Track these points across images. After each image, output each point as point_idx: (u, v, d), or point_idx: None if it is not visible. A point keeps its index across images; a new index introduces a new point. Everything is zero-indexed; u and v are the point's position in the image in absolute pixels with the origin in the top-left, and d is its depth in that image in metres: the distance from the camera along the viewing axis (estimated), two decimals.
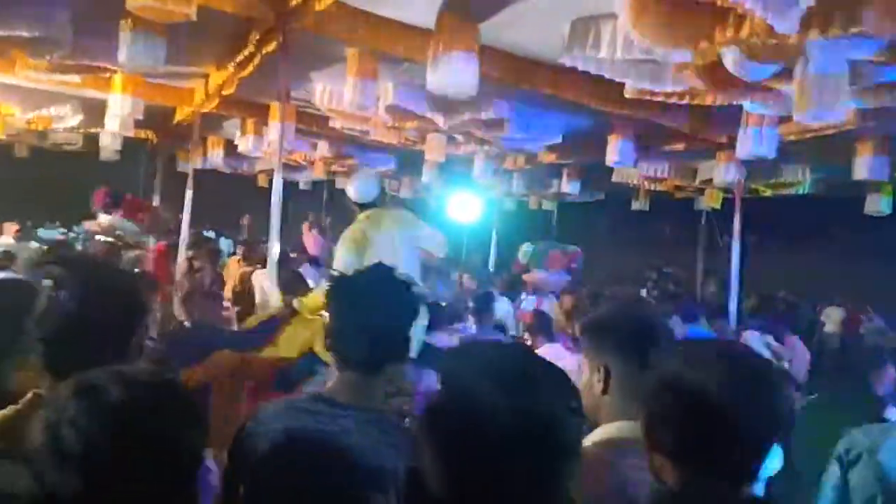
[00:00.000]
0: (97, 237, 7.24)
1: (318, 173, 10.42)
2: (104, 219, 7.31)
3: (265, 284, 5.90)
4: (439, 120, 5.66)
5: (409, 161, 9.13)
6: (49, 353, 1.38)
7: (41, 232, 16.54)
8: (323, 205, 13.12)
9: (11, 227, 8.86)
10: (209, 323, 4.16)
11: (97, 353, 1.36)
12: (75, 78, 5.73)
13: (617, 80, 3.81)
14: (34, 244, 8.99)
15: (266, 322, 3.97)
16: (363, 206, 3.98)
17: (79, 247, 7.84)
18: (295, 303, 3.85)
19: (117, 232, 7.12)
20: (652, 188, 8.34)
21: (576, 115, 5.75)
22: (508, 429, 0.80)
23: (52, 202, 15.26)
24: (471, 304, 5.42)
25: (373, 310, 1.46)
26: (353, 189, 4.03)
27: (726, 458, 0.99)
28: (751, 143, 4.66)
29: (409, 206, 12.75)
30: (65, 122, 7.36)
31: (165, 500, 0.84)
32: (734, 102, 4.17)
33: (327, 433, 1.36)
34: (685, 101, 4.26)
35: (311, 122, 6.99)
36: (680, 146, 6.07)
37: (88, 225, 7.74)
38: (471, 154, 7.40)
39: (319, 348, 3.45)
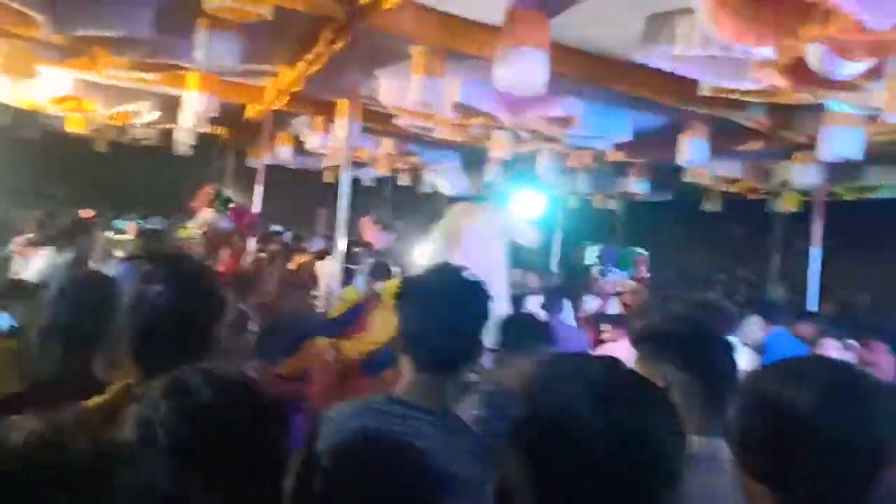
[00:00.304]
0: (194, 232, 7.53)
1: (382, 170, 10.52)
2: (205, 215, 7.61)
3: (328, 274, 6.08)
4: (505, 117, 5.61)
5: (473, 158, 9.10)
6: (137, 346, 1.42)
7: (117, 223, 17.33)
8: (386, 201, 13.26)
9: (88, 214, 9.24)
10: (302, 311, 4.26)
11: (182, 346, 1.40)
12: (153, 76, 5.95)
13: (693, 77, 3.68)
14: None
15: (353, 308, 4.03)
16: (453, 200, 4.07)
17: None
18: (378, 288, 3.91)
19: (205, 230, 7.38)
20: (724, 189, 8.04)
21: (646, 112, 5.60)
22: (606, 452, 0.75)
23: (129, 195, 15.96)
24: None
25: (446, 311, 1.44)
26: (445, 183, 4.17)
27: (834, 487, 0.91)
28: (834, 143, 4.43)
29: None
30: (142, 117, 7.66)
31: (250, 499, 0.84)
32: (818, 101, 3.97)
33: (401, 435, 1.35)
34: (764, 100, 4.09)
35: (375, 120, 7.04)
36: (756, 146, 5.83)
37: (192, 224, 8.05)
38: (535, 151, 7.32)
39: None
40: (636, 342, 1.61)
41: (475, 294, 1.50)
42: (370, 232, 7.57)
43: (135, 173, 12.67)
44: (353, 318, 3.82)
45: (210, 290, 1.50)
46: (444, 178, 3.90)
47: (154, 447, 0.85)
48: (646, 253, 9.95)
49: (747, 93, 3.94)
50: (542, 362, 0.90)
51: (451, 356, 1.46)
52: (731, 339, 2.65)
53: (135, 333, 1.44)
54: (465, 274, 1.53)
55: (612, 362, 0.85)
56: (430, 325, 1.44)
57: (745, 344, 3.87)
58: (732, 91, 3.84)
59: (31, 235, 6.18)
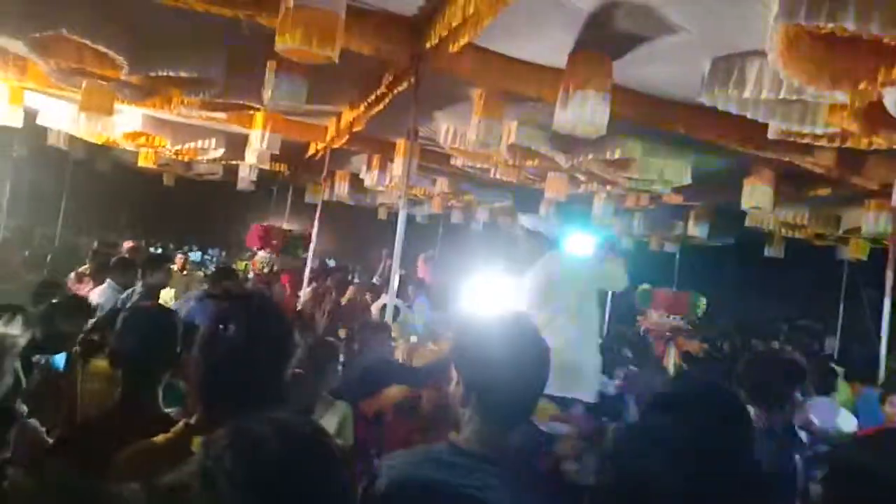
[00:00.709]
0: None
1: (436, 208, 10.61)
2: (261, 256, 7.86)
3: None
4: (561, 159, 5.59)
5: (526, 197, 9.09)
6: (205, 384, 1.41)
7: (178, 254, 17.92)
8: (438, 238, 13.33)
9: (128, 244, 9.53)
10: (380, 354, 4.26)
11: (252, 387, 1.38)
12: (222, 115, 6.17)
13: (760, 120, 3.59)
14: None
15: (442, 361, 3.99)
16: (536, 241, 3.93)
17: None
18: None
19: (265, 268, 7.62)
20: (789, 234, 7.78)
21: (707, 154, 5.49)
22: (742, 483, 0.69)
23: (194, 227, 16.53)
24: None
25: (518, 363, 1.40)
26: (534, 222, 4.06)
27: None
28: None
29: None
30: (208, 153, 7.93)
31: None
32: (893, 146, 3.81)
33: (466, 488, 1.29)
34: (835, 144, 3.95)
35: (431, 159, 7.13)
36: (824, 192, 5.63)
37: (252, 264, 8.32)
38: (591, 193, 7.26)
39: None
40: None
41: (542, 345, 1.46)
42: (424, 269, 7.61)
43: (198, 207, 13.12)
44: (440, 371, 3.73)
45: (284, 333, 1.49)
46: (530, 219, 3.84)
47: (216, 497, 0.82)
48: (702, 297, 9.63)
49: (818, 137, 3.82)
50: (657, 402, 0.84)
51: (520, 408, 1.42)
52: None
53: (204, 371, 1.43)
54: (531, 324, 1.49)
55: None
56: (502, 377, 1.38)
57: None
58: (803, 135, 3.73)
59: (83, 268, 6.45)
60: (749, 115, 3.59)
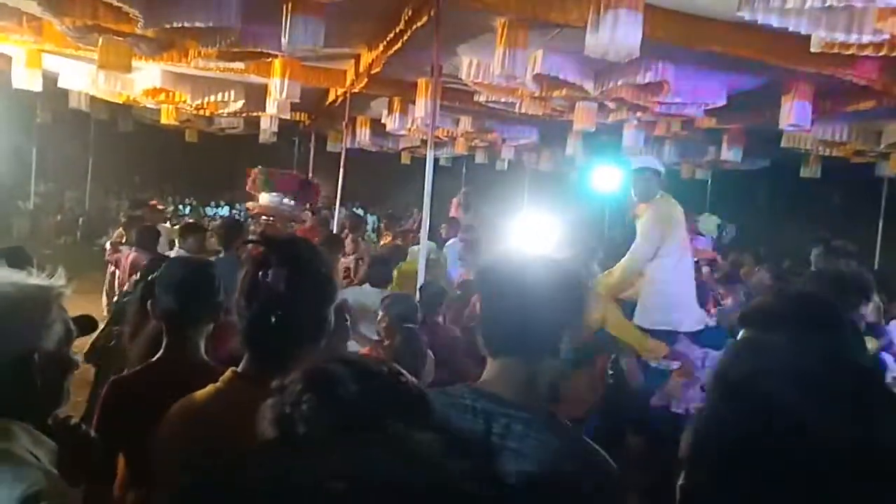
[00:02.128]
0: (262, 218, 7.73)
1: (460, 149, 10.48)
2: (264, 198, 7.79)
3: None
4: (590, 87, 5.41)
5: (552, 133, 8.92)
6: (250, 331, 1.40)
7: (207, 210, 18.11)
8: (462, 179, 13.23)
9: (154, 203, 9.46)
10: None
11: (297, 331, 1.37)
12: (239, 64, 6.08)
13: (804, 31, 3.40)
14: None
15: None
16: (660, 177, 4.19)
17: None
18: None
19: (273, 211, 7.58)
20: (826, 153, 7.53)
21: (742, 73, 5.28)
22: (824, 463, 0.63)
23: (217, 183, 16.60)
24: None
25: (543, 297, 1.26)
26: (647, 161, 4.30)
27: None
28: None
29: (548, 179, 12.61)
30: (228, 106, 7.87)
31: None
32: None
33: (488, 435, 1.20)
34: (882, 53, 3.75)
35: (454, 98, 6.97)
36: (866, 105, 5.39)
37: (251, 206, 8.28)
38: (620, 122, 7.07)
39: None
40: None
41: (572, 278, 1.33)
42: (457, 210, 7.58)
43: (223, 162, 13.14)
44: None
45: (325, 274, 1.46)
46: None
47: (294, 443, 0.79)
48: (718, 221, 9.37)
49: (863, 47, 3.62)
50: (741, 349, 0.78)
51: (546, 344, 1.29)
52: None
53: (249, 318, 1.42)
54: (559, 258, 1.38)
55: (825, 352, 0.73)
56: (526, 308, 1.26)
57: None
58: (848, 46, 3.53)
59: (116, 235, 6.49)
60: (791, 28, 3.40)
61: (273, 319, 1.38)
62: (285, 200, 7.67)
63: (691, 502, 0.70)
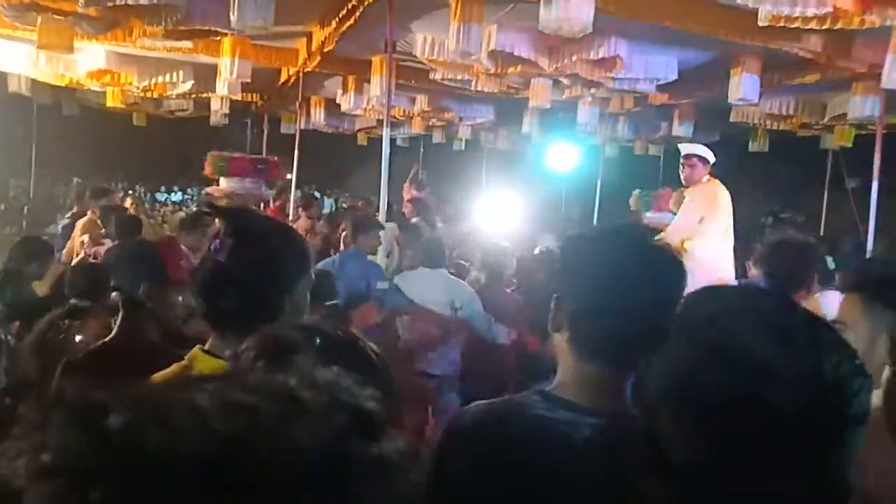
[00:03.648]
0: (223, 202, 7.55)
1: (417, 128, 10.42)
2: (224, 183, 7.62)
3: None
4: (544, 63, 5.44)
5: (508, 111, 8.93)
6: (209, 306, 1.37)
7: (158, 196, 17.67)
8: (419, 160, 13.18)
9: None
10: None
11: (259, 304, 1.34)
12: (187, 44, 5.91)
13: (751, 5, 3.48)
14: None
15: None
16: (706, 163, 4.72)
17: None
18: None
19: (237, 194, 7.41)
20: (773, 127, 7.74)
21: (693, 48, 5.36)
22: (789, 393, 0.65)
23: (168, 167, 16.20)
24: None
25: (639, 284, 1.06)
26: (706, 151, 4.78)
27: None
28: None
29: (506, 158, 12.66)
30: (177, 88, 7.65)
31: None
32: (885, 23, 3.73)
33: (571, 439, 1.04)
34: (826, 26, 3.86)
35: (410, 76, 6.92)
36: (811, 78, 5.55)
37: (211, 190, 8.07)
38: (574, 99, 7.12)
39: None
40: (853, 287, 1.45)
41: (669, 259, 1.14)
42: (409, 191, 7.57)
43: (173, 145, 12.80)
44: None
45: (277, 246, 1.43)
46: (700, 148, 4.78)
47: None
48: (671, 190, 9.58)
49: (808, 20, 3.72)
50: (700, 297, 0.78)
51: (639, 341, 1.02)
52: None
53: (205, 293, 1.39)
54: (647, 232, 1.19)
55: (777, 297, 0.75)
56: (613, 302, 1.06)
57: None
58: (794, 19, 3.62)
59: (94, 232, 6.09)
60: (740, 1, 3.49)
61: (229, 293, 1.35)
62: (246, 183, 7.51)
63: (652, 446, 0.72)
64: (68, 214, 6.81)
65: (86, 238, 4.93)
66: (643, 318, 1.03)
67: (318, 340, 0.85)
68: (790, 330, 0.68)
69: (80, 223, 5.44)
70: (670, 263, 1.11)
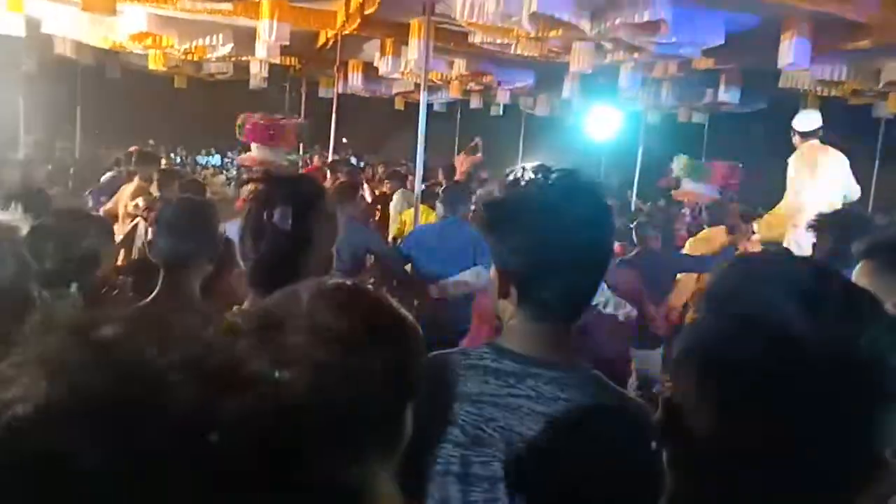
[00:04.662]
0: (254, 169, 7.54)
1: (455, 93, 10.31)
2: (255, 152, 7.59)
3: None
4: (586, 26, 5.30)
5: (548, 76, 8.78)
6: (258, 270, 1.40)
7: (199, 159, 17.93)
8: (456, 126, 13.07)
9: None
10: None
11: (303, 270, 1.37)
12: (227, 6, 5.92)
13: None
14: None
15: None
16: (804, 136, 4.99)
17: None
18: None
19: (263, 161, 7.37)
20: (824, 94, 7.45)
21: (741, 12, 5.17)
22: (821, 366, 0.62)
23: (208, 130, 16.40)
24: None
25: (582, 237, 1.05)
26: (800, 120, 5.05)
27: None
28: None
29: (544, 124, 12.47)
30: (217, 51, 7.70)
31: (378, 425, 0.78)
32: None
33: (517, 398, 1.06)
34: None
35: (448, 39, 6.83)
36: (865, 43, 5.31)
37: (242, 159, 8.07)
38: (616, 64, 6.95)
39: None
40: (864, 254, 1.39)
41: (603, 209, 1.10)
42: (463, 165, 7.55)
43: (212, 108, 12.92)
44: None
45: (330, 211, 1.47)
46: (798, 116, 5.09)
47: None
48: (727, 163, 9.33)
49: None
50: (723, 268, 0.77)
51: (583, 301, 1.10)
52: None
53: (256, 259, 1.41)
54: (578, 180, 1.10)
55: (812, 266, 0.73)
56: (555, 258, 1.04)
57: None
58: None
59: (147, 197, 6.05)
60: None
61: (281, 258, 1.38)
62: (266, 150, 7.40)
63: (670, 414, 0.72)
64: (110, 173, 6.91)
65: (140, 201, 4.90)
66: (583, 270, 1.06)
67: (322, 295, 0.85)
68: (822, 299, 0.65)
69: (127, 188, 5.43)
70: (597, 207, 1.09)
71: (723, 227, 5.38)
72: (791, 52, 5.10)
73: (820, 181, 4.72)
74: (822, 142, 5.04)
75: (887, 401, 0.64)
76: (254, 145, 7.47)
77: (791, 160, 4.92)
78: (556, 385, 1.06)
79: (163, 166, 6.27)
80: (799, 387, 0.63)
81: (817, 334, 0.63)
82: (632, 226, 5.05)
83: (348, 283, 0.88)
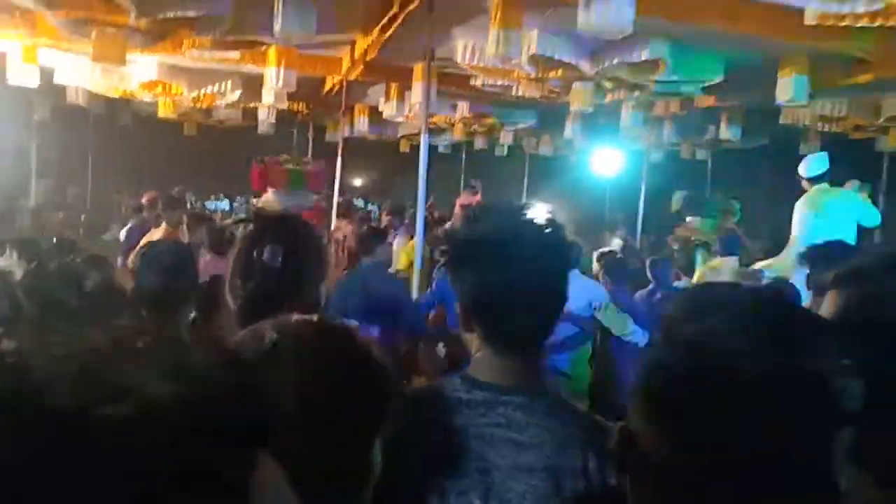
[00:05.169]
0: None
1: (458, 134, 10.46)
2: (270, 197, 7.69)
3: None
4: (586, 66, 5.39)
5: (551, 116, 8.89)
6: (248, 309, 1.40)
7: (208, 204, 18.11)
8: (462, 167, 13.20)
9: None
10: None
11: (288, 306, 1.38)
12: (235, 54, 6.07)
13: (796, 4, 3.39)
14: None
15: None
16: (812, 181, 5.16)
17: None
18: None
19: (283, 206, 7.42)
20: (825, 129, 7.50)
21: (739, 50, 5.25)
22: (765, 392, 0.63)
23: (217, 176, 16.62)
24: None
25: (534, 272, 1.08)
26: (805, 166, 5.19)
27: None
28: None
29: (548, 164, 12.57)
30: (226, 98, 7.86)
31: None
32: None
33: (488, 427, 1.07)
34: (877, 23, 3.73)
35: (451, 83, 6.96)
36: (864, 78, 5.37)
37: (255, 202, 8.15)
38: (618, 103, 7.04)
39: None
40: (832, 284, 1.41)
41: (559, 241, 1.13)
42: (465, 201, 7.61)
43: (222, 154, 13.12)
44: None
45: (319, 249, 1.48)
46: (805, 162, 5.34)
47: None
48: (737, 204, 9.39)
49: (859, 17, 3.61)
50: (682, 296, 0.78)
51: (536, 322, 1.11)
52: None
53: (242, 293, 1.42)
54: (532, 215, 1.14)
55: (768, 291, 0.75)
56: (513, 293, 1.07)
57: None
58: (842, 17, 3.52)
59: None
60: (784, 0, 3.40)
61: (270, 296, 1.38)
62: (289, 194, 7.48)
63: (626, 440, 0.72)
64: (132, 222, 6.89)
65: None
66: (542, 304, 1.09)
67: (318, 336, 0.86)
68: (769, 327, 0.66)
69: (155, 234, 5.34)
70: (553, 240, 1.12)
71: (735, 259, 5.40)
72: (790, 88, 5.16)
73: (827, 222, 4.88)
74: (832, 184, 5.14)
75: (829, 422, 0.65)
76: (271, 190, 7.53)
77: (798, 204, 5.09)
78: (525, 411, 1.07)
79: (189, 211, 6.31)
80: (737, 411, 0.64)
81: (756, 360, 0.64)
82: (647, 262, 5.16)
83: (315, 318, 0.88)
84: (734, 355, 0.65)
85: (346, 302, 3.77)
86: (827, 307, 1.29)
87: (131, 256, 5.06)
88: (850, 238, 4.79)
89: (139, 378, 0.41)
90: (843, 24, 3.70)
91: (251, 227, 1.48)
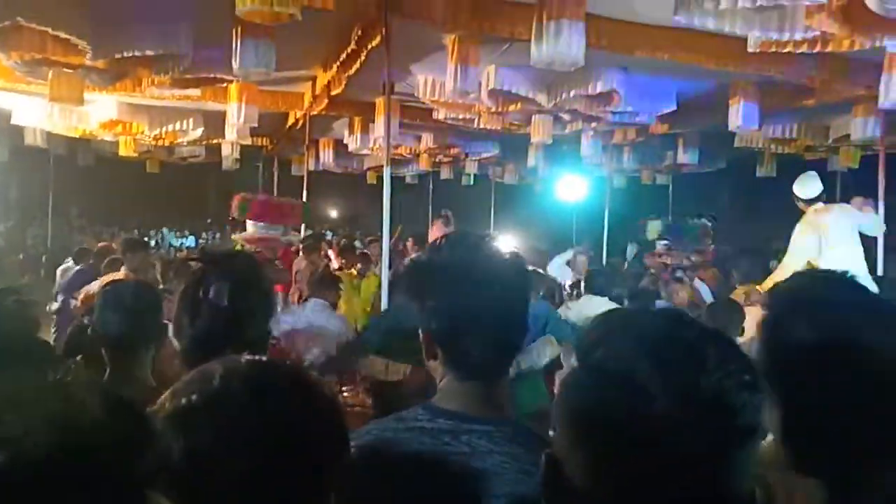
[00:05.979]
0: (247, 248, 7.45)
1: (424, 165, 10.54)
2: (250, 227, 7.57)
3: None
4: (543, 99, 5.51)
5: (514, 146, 9.02)
6: (189, 346, 1.39)
7: (173, 241, 17.91)
8: (429, 197, 13.27)
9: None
10: None
11: (237, 345, 1.37)
12: (195, 91, 6.06)
13: (739, 33, 3.53)
14: None
15: None
16: (808, 202, 5.10)
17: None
18: None
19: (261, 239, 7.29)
20: (779, 151, 7.74)
21: (690, 78, 5.42)
22: (666, 411, 0.66)
23: (182, 212, 16.47)
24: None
25: (498, 300, 1.10)
26: (800, 188, 5.14)
27: None
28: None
29: (514, 192, 12.71)
30: (188, 135, 7.83)
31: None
32: (876, 45, 3.75)
33: (453, 455, 1.06)
34: (817, 50, 3.89)
35: (415, 116, 7.04)
36: (810, 102, 5.58)
37: (236, 238, 8.02)
38: (578, 132, 7.19)
39: None
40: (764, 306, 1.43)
41: (524, 272, 1.18)
42: (439, 230, 7.56)
43: (187, 191, 13.02)
44: None
45: (266, 287, 1.48)
46: (798, 184, 5.23)
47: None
48: (710, 223, 9.54)
49: (798, 44, 3.76)
50: (595, 321, 0.78)
51: (499, 350, 1.13)
52: None
53: (189, 334, 1.41)
54: (494, 245, 1.17)
55: (672, 314, 0.78)
56: (472, 319, 1.09)
57: None
58: (783, 44, 3.67)
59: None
60: (727, 29, 3.53)
61: (216, 335, 1.37)
62: (268, 228, 7.37)
63: (552, 465, 0.74)
64: (80, 265, 6.72)
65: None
66: (501, 329, 1.11)
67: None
68: (669, 348, 0.69)
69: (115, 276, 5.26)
70: (514, 269, 1.14)
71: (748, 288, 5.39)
72: (740, 114, 5.33)
73: (829, 240, 4.86)
74: (826, 202, 5.22)
75: (737, 440, 0.68)
76: (250, 223, 7.39)
77: (798, 228, 5.08)
78: (489, 439, 1.08)
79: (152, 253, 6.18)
80: (645, 431, 0.67)
81: (662, 380, 0.67)
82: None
83: (263, 359, 0.89)
84: (638, 378, 0.68)
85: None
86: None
87: (81, 296, 4.93)
88: (857, 250, 4.87)
89: (18, 429, 0.41)
90: (785, 50, 3.85)
91: (196, 265, 1.47)
